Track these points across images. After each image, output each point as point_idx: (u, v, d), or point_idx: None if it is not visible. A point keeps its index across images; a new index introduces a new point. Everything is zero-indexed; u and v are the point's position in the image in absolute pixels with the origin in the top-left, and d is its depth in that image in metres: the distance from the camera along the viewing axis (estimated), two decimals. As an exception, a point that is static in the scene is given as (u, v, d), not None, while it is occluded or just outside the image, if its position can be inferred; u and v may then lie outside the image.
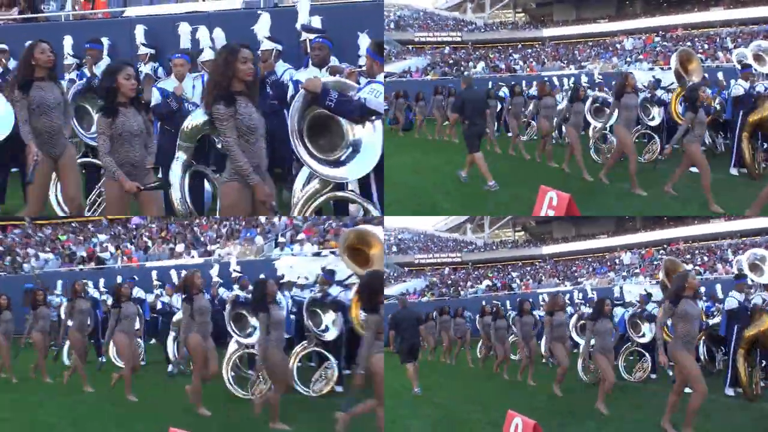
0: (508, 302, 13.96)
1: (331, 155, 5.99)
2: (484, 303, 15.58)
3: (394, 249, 37.68)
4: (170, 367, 10.91)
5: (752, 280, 9.12)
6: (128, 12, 10.56)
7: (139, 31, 9.32)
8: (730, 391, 8.64)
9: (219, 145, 7.45)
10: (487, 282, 32.52)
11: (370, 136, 5.94)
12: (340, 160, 5.97)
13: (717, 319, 9.98)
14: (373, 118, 5.87)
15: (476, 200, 9.80)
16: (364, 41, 7.92)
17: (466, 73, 30.84)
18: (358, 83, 6.25)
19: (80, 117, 8.38)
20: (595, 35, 34.00)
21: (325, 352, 8.58)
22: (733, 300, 8.82)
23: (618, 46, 32.50)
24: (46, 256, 19.49)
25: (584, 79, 20.55)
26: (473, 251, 37.52)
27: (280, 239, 16.58)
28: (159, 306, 12.58)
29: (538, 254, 36.08)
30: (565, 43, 34.44)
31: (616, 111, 9.55)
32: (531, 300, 11.73)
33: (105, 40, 9.29)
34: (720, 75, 13.90)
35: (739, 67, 10.85)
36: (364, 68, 6.63)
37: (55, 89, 6.46)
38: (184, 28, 8.97)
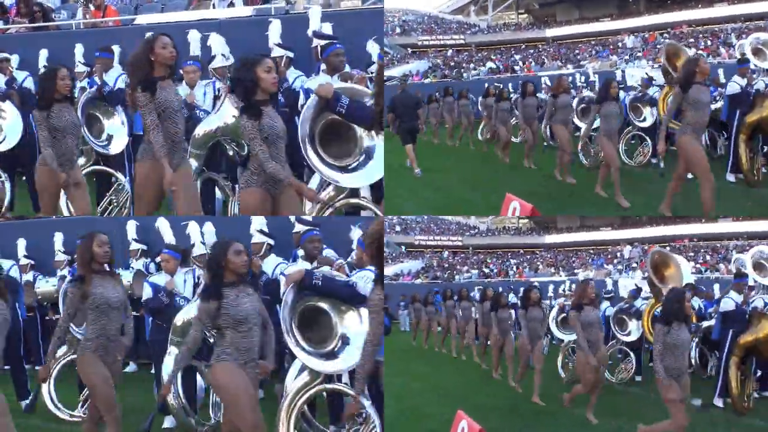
0: (500, 289, 13.76)
1: (344, 162, 5.98)
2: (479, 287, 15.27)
3: (397, 228, 37.53)
4: (168, 421, 7.12)
5: (754, 281, 8.60)
6: (139, 20, 10.61)
7: (150, 39, 9.33)
8: (719, 402, 8.17)
9: (230, 152, 7.57)
10: (484, 268, 32.64)
11: (383, 142, 5.94)
12: (353, 167, 5.96)
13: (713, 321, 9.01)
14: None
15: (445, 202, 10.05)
16: (374, 48, 7.98)
17: (465, 74, 31.33)
18: (368, 87, 6.31)
19: (90, 125, 8.47)
20: (598, 34, 34.00)
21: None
22: (730, 301, 8.18)
23: (619, 44, 32.53)
24: None
25: (579, 77, 20.47)
26: (474, 236, 37.47)
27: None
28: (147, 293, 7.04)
29: (541, 243, 36.01)
30: (569, 43, 34.48)
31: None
32: (538, 288, 10.72)
33: (116, 48, 9.37)
34: (720, 72, 13.27)
35: (746, 61, 10.04)
36: (374, 74, 6.69)
37: (178, 91, 5.51)
38: (193, 36, 9.01)
